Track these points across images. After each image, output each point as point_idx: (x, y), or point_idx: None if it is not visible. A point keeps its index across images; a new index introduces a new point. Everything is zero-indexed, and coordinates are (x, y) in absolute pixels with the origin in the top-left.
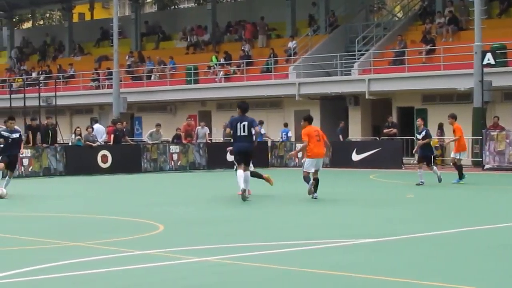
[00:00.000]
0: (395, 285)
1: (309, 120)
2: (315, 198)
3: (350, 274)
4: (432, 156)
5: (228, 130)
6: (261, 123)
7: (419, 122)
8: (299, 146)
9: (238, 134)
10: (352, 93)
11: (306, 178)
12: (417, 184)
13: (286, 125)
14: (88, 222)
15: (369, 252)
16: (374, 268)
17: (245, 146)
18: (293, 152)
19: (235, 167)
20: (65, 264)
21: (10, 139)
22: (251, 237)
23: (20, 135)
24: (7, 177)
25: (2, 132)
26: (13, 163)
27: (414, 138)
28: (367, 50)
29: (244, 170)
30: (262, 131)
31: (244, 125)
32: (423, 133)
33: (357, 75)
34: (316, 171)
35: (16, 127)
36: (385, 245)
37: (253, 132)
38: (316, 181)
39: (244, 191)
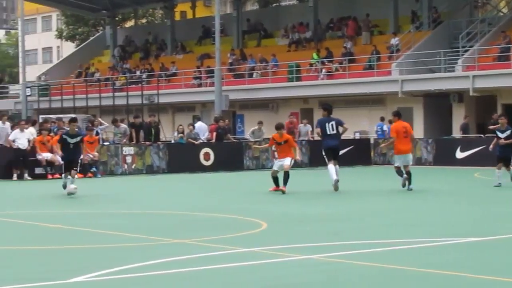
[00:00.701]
0: (503, 285)
1: (398, 115)
2: (411, 190)
3: (456, 274)
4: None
5: (318, 130)
6: (383, 119)
7: (502, 120)
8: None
9: (328, 133)
10: (456, 90)
11: (399, 172)
12: (495, 186)
13: (382, 119)
14: (191, 219)
15: (476, 250)
16: (481, 267)
17: (334, 143)
18: (383, 145)
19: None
20: (169, 261)
21: (71, 144)
22: (355, 235)
23: (81, 138)
24: (70, 178)
25: (63, 136)
26: (75, 165)
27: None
28: (471, 46)
29: (334, 164)
30: (385, 128)
31: (332, 124)
32: (508, 132)
33: (461, 72)
34: (406, 166)
35: (77, 129)
36: (491, 244)
37: (340, 130)
38: (409, 174)
39: (337, 181)
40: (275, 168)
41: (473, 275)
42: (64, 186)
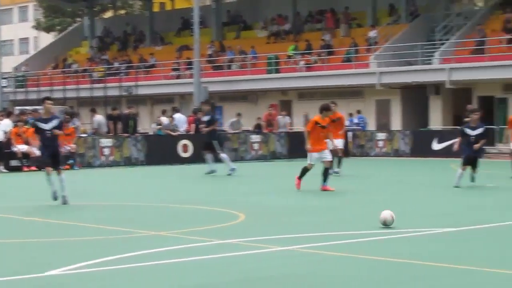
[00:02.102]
0: (485, 274)
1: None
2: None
3: (433, 264)
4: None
5: None
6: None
7: (475, 116)
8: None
9: None
10: (432, 83)
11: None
12: (454, 187)
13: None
14: (169, 211)
15: (451, 241)
16: (456, 257)
17: None
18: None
19: None
20: (147, 254)
21: (47, 132)
22: (334, 226)
23: (60, 122)
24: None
25: (35, 122)
26: (58, 160)
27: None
28: (447, 39)
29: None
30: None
31: None
32: (479, 130)
33: (438, 64)
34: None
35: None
36: (468, 234)
37: None
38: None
39: None
40: (311, 162)
41: (455, 266)
42: (55, 197)
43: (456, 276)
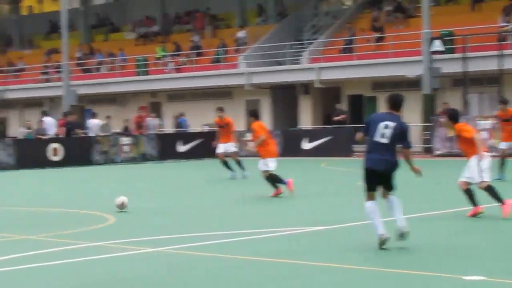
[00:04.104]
0: (343, 271)
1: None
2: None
3: (299, 262)
4: None
5: None
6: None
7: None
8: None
9: None
10: (302, 82)
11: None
12: None
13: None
14: (39, 215)
15: (319, 239)
16: (322, 255)
17: None
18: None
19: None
20: (17, 258)
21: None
22: (202, 227)
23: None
24: None
25: None
26: None
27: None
28: (316, 39)
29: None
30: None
31: None
32: None
33: (307, 64)
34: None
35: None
36: (336, 232)
37: None
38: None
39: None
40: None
41: (311, 263)
42: None
43: (318, 273)
